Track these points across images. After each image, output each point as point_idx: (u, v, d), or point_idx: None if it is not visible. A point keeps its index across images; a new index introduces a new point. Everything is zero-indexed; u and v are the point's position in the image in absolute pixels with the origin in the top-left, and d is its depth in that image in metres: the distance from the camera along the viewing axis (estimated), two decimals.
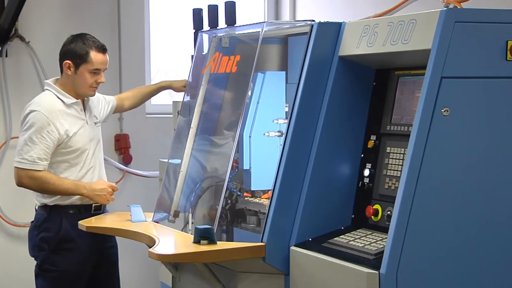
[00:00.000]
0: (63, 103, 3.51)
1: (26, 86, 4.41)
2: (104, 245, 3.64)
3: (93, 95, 3.60)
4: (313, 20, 2.82)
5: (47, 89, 3.58)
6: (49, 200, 3.50)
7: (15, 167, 3.44)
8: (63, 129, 3.44)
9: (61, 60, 3.53)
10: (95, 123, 3.66)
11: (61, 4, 4.72)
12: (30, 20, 4.51)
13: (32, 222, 3.62)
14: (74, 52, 3.49)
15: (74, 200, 3.51)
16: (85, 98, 3.60)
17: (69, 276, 3.55)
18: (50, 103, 3.49)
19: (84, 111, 3.59)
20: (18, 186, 3.47)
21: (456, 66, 2.36)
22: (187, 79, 3.67)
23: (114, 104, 3.83)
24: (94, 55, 3.48)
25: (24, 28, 4.52)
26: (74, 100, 3.53)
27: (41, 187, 3.46)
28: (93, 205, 3.56)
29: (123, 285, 4.51)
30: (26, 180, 3.42)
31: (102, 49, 3.54)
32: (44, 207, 3.53)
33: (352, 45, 2.70)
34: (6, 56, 4.56)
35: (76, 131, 3.50)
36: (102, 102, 3.76)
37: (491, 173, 2.42)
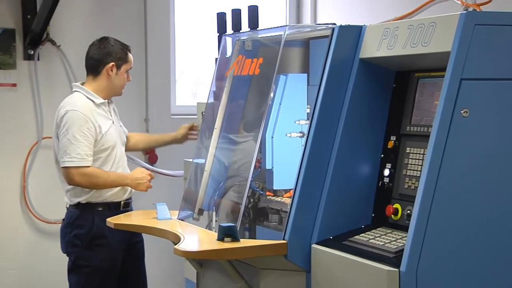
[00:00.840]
0: (93, 103, 3.56)
1: (57, 88, 4.44)
2: (132, 240, 3.69)
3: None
4: (334, 24, 2.80)
5: (76, 91, 3.61)
6: (82, 198, 3.55)
7: (66, 167, 3.46)
8: (98, 126, 3.52)
9: (102, 63, 3.55)
10: (121, 124, 3.75)
11: (90, 10, 4.75)
12: (60, 25, 4.54)
13: (63, 220, 3.64)
14: (117, 53, 3.58)
15: (107, 197, 3.56)
16: (109, 101, 3.64)
17: (101, 272, 3.59)
18: (83, 102, 3.56)
19: (112, 111, 3.67)
20: (70, 184, 3.51)
21: (475, 68, 2.34)
22: (189, 125, 3.85)
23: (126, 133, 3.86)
24: (130, 56, 3.63)
25: (55, 32, 4.56)
26: (103, 100, 3.58)
27: (92, 182, 3.51)
28: (122, 202, 3.60)
29: (149, 280, 4.54)
30: (78, 177, 3.47)
31: (130, 50, 3.67)
32: (76, 205, 3.56)
33: (373, 48, 2.68)
34: (38, 59, 4.59)
35: (107, 130, 3.57)
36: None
37: (509, 173, 2.39)
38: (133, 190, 3.67)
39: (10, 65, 4.53)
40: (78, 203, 3.56)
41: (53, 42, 4.56)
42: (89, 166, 3.48)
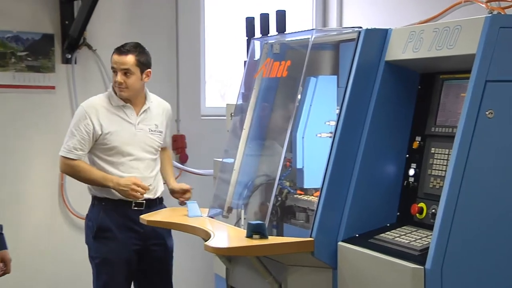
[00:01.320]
0: (110, 104, 3.56)
1: (92, 90, 4.45)
2: (148, 242, 3.62)
3: (121, 95, 3.57)
4: (361, 27, 2.79)
5: (107, 91, 3.65)
6: (92, 192, 3.61)
7: (60, 155, 3.59)
8: (101, 124, 3.52)
9: (143, 68, 3.55)
10: (151, 130, 3.62)
11: (124, 15, 4.78)
12: (96, 30, 4.58)
13: None
14: (150, 61, 3.61)
15: (107, 194, 3.55)
16: (146, 107, 3.61)
17: (109, 264, 3.58)
18: (94, 101, 3.60)
19: (137, 115, 3.59)
20: (61, 171, 3.66)
21: (500, 70, 2.31)
22: (187, 188, 3.71)
23: (163, 143, 3.76)
24: (113, 57, 3.60)
25: (91, 37, 4.59)
26: (123, 103, 3.57)
27: (75, 175, 3.60)
28: (134, 202, 3.55)
29: (180, 275, 4.55)
30: (63, 167, 3.59)
31: (120, 51, 3.59)
32: (92, 198, 3.63)
33: (398, 51, 2.66)
34: (75, 63, 4.63)
35: (114, 130, 3.54)
36: (167, 118, 3.76)
37: None
38: (155, 192, 3.63)
39: (49, 69, 4.57)
40: (93, 196, 3.62)
41: (89, 47, 4.59)
42: (74, 160, 3.53)
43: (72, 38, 4.52)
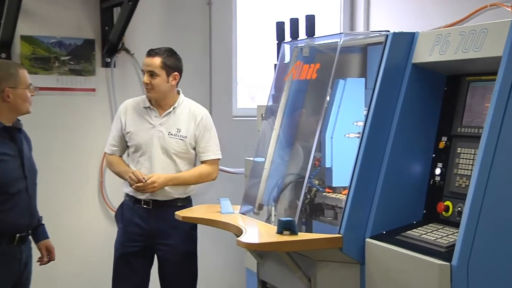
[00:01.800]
0: (140, 105, 3.63)
1: (130, 92, 4.49)
2: (155, 240, 3.60)
3: (150, 96, 3.59)
4: (388, 31, 2.77)
5: None
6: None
7: None
8: (125, 123, 3.62)
9: (169, 71, 3.56)
10: (171, 134, 3.58)
11: (160, 21, 4.80)
12: (134, 35, 4.60)
13: None
14: (179, 65, 3.64)
15: (127, 191, 3.62)
16: (170, 110, 3.60)
17: (117, 254, 3.66)
18: (129, 101, 3.71)
19: (160, 117, 3.59)
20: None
21: None
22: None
23: (197, 153, 3.69)
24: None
25: (129, 42, 4.62)
26: (148, 105, 3.61)
27: (110, 168, 3.76)
28: (142, 199, 3.57)
29: (212, 270, 4.57)
30: (105, 161, 3.75)
31: (149, 53, 3.63)
32: None
33: (425, 53, 2.64)
34: (114, 66, 4.67)
35: (135, 130, 3.59)
36: (197, 125, 3.64)
37: None
38: (166, 195, 3.59)
39: (90, 72, 4.61)
40: None
41: (127, 51, 4.62)
42: (110, 154, 3.68)
43: (112, 43, 4.56)
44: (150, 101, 3.63)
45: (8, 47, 4.32)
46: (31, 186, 3.15)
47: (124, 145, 3.67)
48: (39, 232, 3.34)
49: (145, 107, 3.62)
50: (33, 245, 3.32)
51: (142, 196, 3.57)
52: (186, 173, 3.62)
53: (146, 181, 3.47)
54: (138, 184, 3.47)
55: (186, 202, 3.67)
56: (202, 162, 3.69)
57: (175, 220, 3.42)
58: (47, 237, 3.37)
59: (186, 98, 3.71)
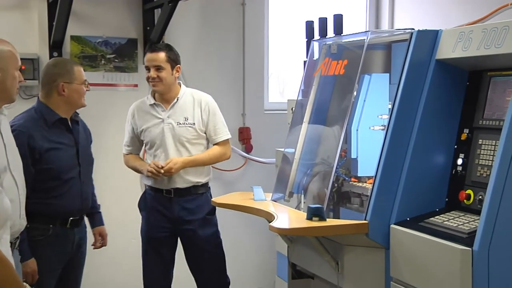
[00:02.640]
0: (146, 103, 3.63)
1: None
2: (178, 226, 3.60)
3: (156, 90, 3.57)
4: (413, 29, 2.74)
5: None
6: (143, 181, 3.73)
7: None
8: (136, 123, 3.64)
9: (173, 64, 3.57)
10: (180, 123, 3.56)
11: (197, 21, 4.80)
12: (174, 34, 4.61)
13: None
14: (179, 59, 3.64)
15: (149, 183, 3.63)
16: (175, 101, 3.58)
17: (144, 240, 3.68)
18: (135, 103, 3.72)
19: (167, 111, 3.58)
20: None
21: None
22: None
23: (208, 137, 3.66)
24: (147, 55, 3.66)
25: (169, 40, 4.62)
26: (153, 101, 3.60)
27: (128, 166, 3.76)
28: (164, 189, 3.57)
29: (244, 254, 4.57)
30: (123, 160, 3.77)
31: (152, 49, 3.64)
32: None
33: (448, 50, 2.60)
34: None
35: (147, 128, 3.59)
36: (203, 110, 3.62)
37: None
38: (184, 181, 3.57)
39: (133, 69, 4.64)
40: None
41: None
42: (126, 154, 3.72)
43: (153, 42, 4.57)
44: (154, 97, 3.62)
45: (59, 47, 4.38)
46: (84, 173, 3.18)
47: (137, 144, 3.69)
48: (95, 218, 3.41)
49: (150, 105, 3.61)
50: (88, 229, 3.38)
51: (162, 186, 3.56)
52: (202, 155, 3.61)
53: (163, 167, 3.47)
54: (156, 171, 3.46)
55: (205, 189, 3.66)
56: (214, 144, 3.67)
57: (196, 206, 3.49)
58: (101, 224, 3.44)
59: (188, 88, 3.69)
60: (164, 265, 3.66)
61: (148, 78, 3.57)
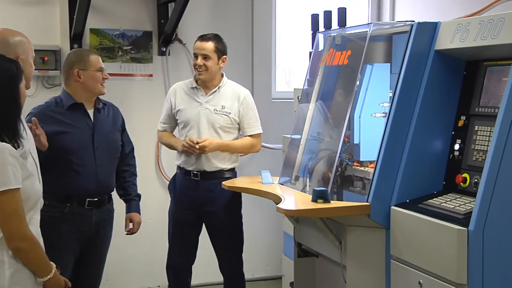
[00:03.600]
0: (188, 86, 3.63)
1: (183, 77, 4.45)
2: (203, 208, 3.58)
3: (200, 78, 3.56)
4: (413, 21, 2.71)
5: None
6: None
7: None
8: (174, 102, 3.63)
9: (220, 54, 3.55)
10: (217, 110, 3.56)
11: (209, 15, 4.79)
12: (186, 27, 4.61)
13: None
14: (226, 49, 3.63)
15: (178, 163, 3.62)
16: (216, 89, 3.59)
17: (173, 221, 3.65)
18: (178, 84, 3.71)
19: (206, 96, 3.58)
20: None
21: None
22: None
23: (239, 126, 3.66)
24: (195, 43, 3.64)
25: (182, 33, 4.63)
26: (195, 85, 3.61)
27: (161, 142, 3.80)
28: (191, 171, 3.55)
29: (253, 234, 4.57)
30: (157, 135, 3.79)
31: (203, 38, 3.60)
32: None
33: (447, 41, 2.58)
34: (169, 55, 4.68)
35: (184, 108, 3.59)
36: (240, 103, 3.62)
37: None
38: (211, 165, 3.56)
39: (148, 60, 4.64)
40: None
41: (180, 41, 4.63)
42: (161, 131, 3.71)
43: (167, 34, 4.57)
44: (196, 81, 3.62)
45: (79, 39, 4.38)
46: (100, 157, 3.12)
47: (173, 123, 3.68)
48: (129, 205, 3.37)
49: (192, 88, 3.61)
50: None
51: (191, 168, 3.56)
52: (236, 142, 3.62)
53: (198, 143, 3.46)
54: (192, 145, 3.45)
55: (231, 174, 3.65)
56: (246, 136, 3.67)
57: (221, 190, 3.44)
58: (134, 211, 3.36)
59: (229, 80, 3.69)
60: (188, 246, 3.68)
61: (195, 65, 3.56)
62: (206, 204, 3.58)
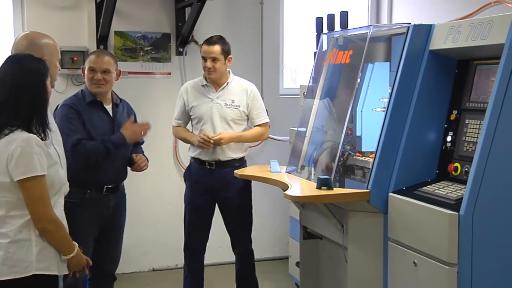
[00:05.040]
0: (198, 84, 3.63)
1: (198, 75, 4.42)
2: (218, 194, 3.61)
3: (211, 77, 3.57)
4: (409, 23, 2.71)
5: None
6: (189, 153, 3.69)
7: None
8: (187, 100, 3.62)
9: (226, 55, 3.56)
10: (227, 104, 3.59)
11: (222, 18, 4.80)
12: (202, 29, 4.61)
13: None
14: (230, 49, 3.60)
15: (194, 155, 3.61)
16: (225, 85, 3.60)
17: (189, 206, 3.66)
18: (189, 83, 3.71)
19: (216, 92, 3.60)
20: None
21: None
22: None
23: (248, 117, 3.69)
24: (203, 47, 3.62)
25: (198, 35, 4.64)
26: (206, 83, 3.62)
27: (177, 136, 3.81)
28: (207, 161, 3.57)
29: (261, 218, 4.60)
30: (172, 131, 3.77)
31: (210, 42, 3.59)
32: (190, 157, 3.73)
33: (440, 41, 2.58)
34: (186, 54, 4.70)
35: (198, 104, 3.60)
36: (248, 97, 3.65)
37: None
38: (224, 154, 3.59)
39: (167, 59, 4.66)
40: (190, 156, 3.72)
41: (196, 42, 4.64)
42: (176, 126, 3.68)
43: (184, 36, 4.59)
44: (206, 79, 3.63)
45: (105, 40, 4.42)
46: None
47: (186, 118, 3.69)
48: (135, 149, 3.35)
49: (203, 85, 3.63)
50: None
51: (207, 158, 3.58)
52: (247, 132, 3.67)
53: (212, 138, 3.49)
54: (207, 140, 3.47)
55: (242, 162, 3.68)
56: (255, 126, 3.70)
57: (233, 177, 3.46)
58: (137, 152, 3.34)
59: (235, 76, 3.71)
60: (202, 228, 3.70)
61: (204, 67, 3.58)
62: (220, 190, 3.61)
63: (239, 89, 3.66)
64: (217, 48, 3.55)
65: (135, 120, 3.38)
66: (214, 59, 3.54)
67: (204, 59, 3.58)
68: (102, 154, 3.04)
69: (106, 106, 3.18)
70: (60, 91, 3.08)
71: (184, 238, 3.75)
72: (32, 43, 2.51)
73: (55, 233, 2.20)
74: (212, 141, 3.49)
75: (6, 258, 2.15)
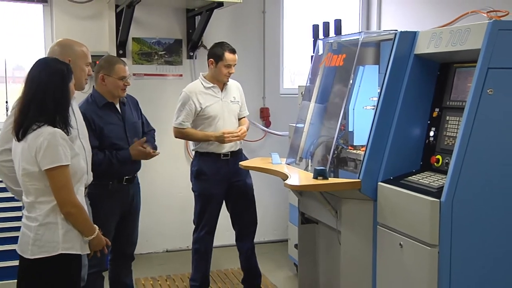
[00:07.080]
0: (203, 86, 3.60)
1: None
2: (232, 179, 3.64)
3: (227, 81, 3.61)
4: (396, 30, 2.72)
5: (199, 78, 3.68)
6: (195, 148, 3.68)
7: (173, 126, 3.64)
8: (199, 102, 3.56)
9: (208, 59, 3.58)
10: (231, 101, 3.67)
11: (228, 25, 4.81)
12: (210, 35, 4.63)
13: None
14: (214, 53, 3.57)
15: (209, 149, 3.59)
16: (224, 84, 3.63)
17: (204, 197, 3.64)
18: (193, 86, 3.63)
19: (221, 92, 3.63)
20: (174, 137, 3.68)
21: (498, 60, 2.24)
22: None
23: (240, 112, 3.75)
24: (227, 55, 3.55)
25: (206, 40, 4.65)
26: (211, 84, 3.60)
27: (186, 137, 3.68)
28: (222, 153, 3.59)
29: (264, 206, 4.63)
30: (176, 133, 3.63)
31: (233, 51, 3.58)
32: (195, 152, 3.70)
33: (424, 46, 2.59)
34: (196, 58, 4.71)
35: (210, 105, 3.58)
36: (240, 93, 3.74)
37: None
38: (236, 145, 3.63)
39: (179, 62, 4.67)
40: (195, 151, 3.69)
41: (205, 47, 4.64)
42: (184, 128, 3.55)
43: (194, 42, 4.60)
44: (208, 82, 3.62)
45: (124, 46, 4.45)
46: (132, 142, 3.17)
47: (191, 120, 3.63)
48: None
49: (208, 87, 3.61)
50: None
51: (223, 151, 3.60)
52: (245, 125, 3.74)
53: (240, 133, 3.56)
54: (235, 136, 3.52)
55: (241, 152, 3.75)
56: (241, 118, 3.75)
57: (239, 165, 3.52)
58: (148, 138, 3.31)
59: None
60: (218, 213, 3.73)
61: (228, 73, 3.58)
62: (233, 176, 3.65)
63: (234, 87, 3.73)
64: (236, 56, 3.62)
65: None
66: (234, 65, 3.62)
67: (229, 66, 3.59)
68: (104, 168, 3.03)
69: (116, 106, 3.20)
70: (83, 92, 3.11)
71: (196, 224, 3.73)
72: (62, 48, 2.57)
73: (78, 217, 2.23)
74: (239, 134, 3.56)
75: (36, 239, 2.20)
